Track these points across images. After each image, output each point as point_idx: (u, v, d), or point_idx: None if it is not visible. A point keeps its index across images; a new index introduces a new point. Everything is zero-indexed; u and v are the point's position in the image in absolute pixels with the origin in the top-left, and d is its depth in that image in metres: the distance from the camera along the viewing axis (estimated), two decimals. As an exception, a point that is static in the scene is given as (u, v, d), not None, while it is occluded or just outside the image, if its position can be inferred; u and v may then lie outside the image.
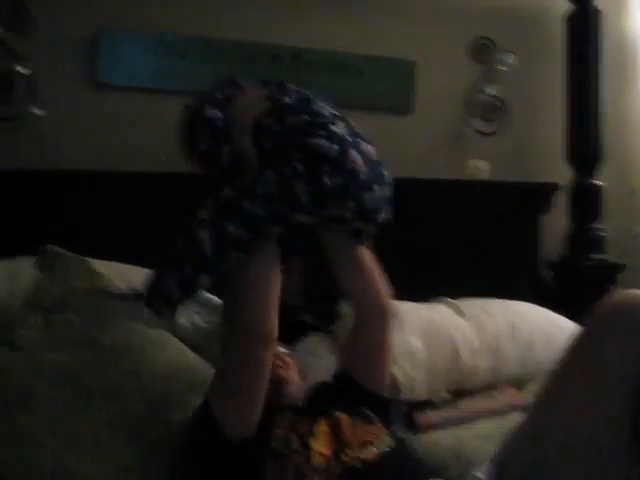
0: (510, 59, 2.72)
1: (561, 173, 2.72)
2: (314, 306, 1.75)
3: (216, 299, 1.86)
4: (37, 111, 2.21)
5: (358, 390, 1.52)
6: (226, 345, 1.37)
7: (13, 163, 2.11)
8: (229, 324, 1.36)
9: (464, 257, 2.54)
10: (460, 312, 2.09)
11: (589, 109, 2.67)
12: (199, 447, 1.37)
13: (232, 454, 1.30)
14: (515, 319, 2.10)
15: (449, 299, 2.20)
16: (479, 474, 1.31)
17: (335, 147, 1.24)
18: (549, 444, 1.11)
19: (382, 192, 1.32)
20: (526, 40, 2.83)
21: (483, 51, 2.78)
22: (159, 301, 1.28)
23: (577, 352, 1.15)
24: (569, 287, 2.68)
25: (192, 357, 1.71)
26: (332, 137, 1.25)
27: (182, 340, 1.75)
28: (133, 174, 2.18)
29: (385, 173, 1.34)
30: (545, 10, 2.83)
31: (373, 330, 1.54)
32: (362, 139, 1.32)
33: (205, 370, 1.66)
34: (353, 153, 1.25)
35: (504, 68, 2.75)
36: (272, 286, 1.34)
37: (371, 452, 1.31)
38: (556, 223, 2.73)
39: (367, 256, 1.50)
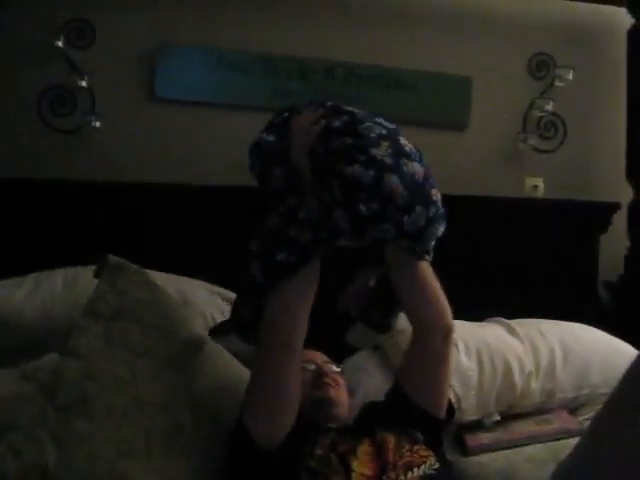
0: (569, 75, 2.67)
1: (620, 191, 2.65)
2: (371, 315, 1.74)
3: None
4: (97, 124, 2.26)
5: (413, 410, 1.49)
6: (255, 356, 1.43)
7: (74, 174, 2.18)
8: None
9: (520, 276, 2.49)
10: (514, 332, 2.05)
11: (651, 127, 2.60)
12: (236, 459, 1.39)
13: (265, 464, 1.32)
14: (570, 341, 2.05)
15: (503, 319, 2.16)
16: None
17: (371, 173, 1.23)
18: (607, 475, 1.06)
19: (427, 212, 1.29)
20: (585, 56, 2.79)
21: (541, 67, 2.74)
22: (241, 330, 1.45)
23: (631, 384, 1.10)
24: (627, 309, 2.60)
25: (243, 371, 1.71)
26: (370, 162, 1.24)
27: (235, 355, 1.77)
28: (192, 187, 2.21)
29: (433, 192, 1.31)
30: (605, 25, 2.78)
31: (433, 349, 1.51)
32: (409, 158, 1.29)
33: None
34: (391, 178, 1.24)
35: (562, 84, 2.70)
36: (303, 302, 1.39)
37: (416, 475, 1.29)
38: (615, 243, 2.66)
39: (429, 274, 1.48)
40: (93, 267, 1.80)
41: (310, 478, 1.28)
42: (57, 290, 1.85)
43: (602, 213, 2.62)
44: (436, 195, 1.32)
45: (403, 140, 1.31)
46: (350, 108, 1.38)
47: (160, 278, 1.83)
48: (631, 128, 2.65)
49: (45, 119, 2.26)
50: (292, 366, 1.38)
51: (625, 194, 2.64)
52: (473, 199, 2.40)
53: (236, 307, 1.47)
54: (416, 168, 1.28)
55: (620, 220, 2.63)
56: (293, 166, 1.37)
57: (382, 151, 1.25)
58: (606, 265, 2.67)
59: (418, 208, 1.26)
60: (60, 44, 2.23)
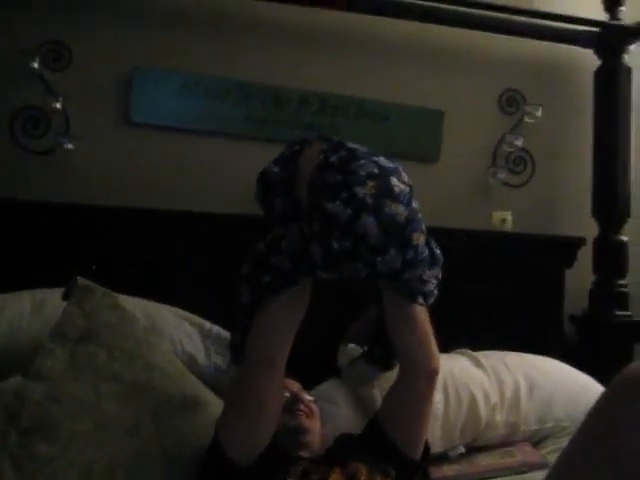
0: (538, 112, 2.73)
1: (586, 227, 2.70)
2: (373, 352, 1.75)
3: None
4: (70, 146, 2.26)
5: (389, 448, 1.49)
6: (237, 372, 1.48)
7: (46, 196, 2.17)
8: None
9: (486, 308, 2.52)
10: (479, 364, 2.07)
11: (617, 165, 2.67)
12: (208, 476, 1.40)
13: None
14: (535, 374, 2.07)
15: (469, 350, 2.18)
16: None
17: (348, 211, 1.23)
18: None
19: (403, 255, 1.28)
20: (555, 93, 2.84)
21: (511, 103, 2.79)
22: (233, 353, 1.50)
23: (598, 419, 1.13)
24: (592, 343, 2.64)
25: (210, 395, 1.72)
26: (350, 200, 1.24)
27: (200, 377, 1.77)
28: (164, 212, 2.22)
29: (414, 236, 1.30)
30: (575, 64, 2.85)
31: (417, 390, 1.52)
32: (394, 200, 1.27)
33: (221, 408, 1.68)
34: (367, 218, 1.23)
35: (532, 120, 2.75)
36: (287, 323, 1.42)
37: None
38: (580, 277, 2.71)
39: (421, 318, 1.50)
40: (61, 289, 1.79)
41: None
42: (24, 312, 1.83)
43: (568, 248, 2.66)
44: (418, 239, 1.31)
45: (396, 181, 1.29)
46: (355, 145, 1.38)
47: (128, 302, 1.83)
48: (597, 165, 2.71)
49: (18, 140, 2.25)
50: (272, 383, 1.40)
51: (590, 229, 2.70)
52: (442, 231, 2.43)
53: (231, 333, 1.52)
54: (399, 210, 1.26)
55: (586, 255, 2.68)
56: (295, 197, 1.39)
57: (365, 190, 1.24)
58: (571, 299, 2.71)
59: (392, 250, 1.26)
60: (36, 65, 2.23)
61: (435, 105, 2.69)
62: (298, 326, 1.43)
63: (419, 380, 1.51)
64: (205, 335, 1.94)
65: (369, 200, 1.24)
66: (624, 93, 2.67)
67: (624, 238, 2.67)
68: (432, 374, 1.52)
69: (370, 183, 1.26)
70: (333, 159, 1.31)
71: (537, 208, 2.81)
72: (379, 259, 1.25)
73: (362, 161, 1.30)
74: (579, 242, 2.65)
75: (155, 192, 2.31)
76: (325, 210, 1.25)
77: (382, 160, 1.33)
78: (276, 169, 1.43)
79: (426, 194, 2.58)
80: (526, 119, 2.76)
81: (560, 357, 2.29)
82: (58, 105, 2.25)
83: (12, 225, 2.05)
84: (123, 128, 2.35)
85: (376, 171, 1.28)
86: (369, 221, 1.23)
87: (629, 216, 2.67)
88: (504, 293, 2.55)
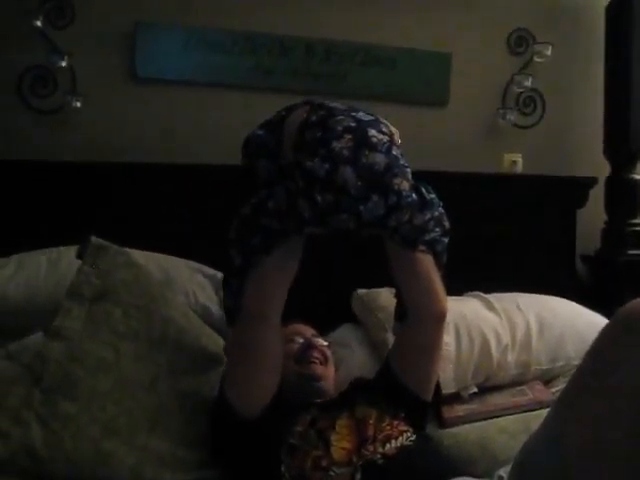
0: (548, 51, 2.69)
1: (598, 167, 2.69)
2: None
3: None
4: (78, 104, 2.27)
5: (401, 391, 1.52)
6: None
7: (56, 155, 2.19)
8: None
9: (498, 251, 2.53)
10: (491, 306, 2.09)
11: (629, 102, 2.63)
12: (216, 428, 1.44)
13: (245, 434, 1.36)
14: (546, 314, 2.09)
15: (481, 293, 2.20)
16: (503, 473, 1.32)
17: (325, 166, 1.25)
18: (568, 449, 1.10)
19: (385, 201, 1.29)
20: (564, 32, 2.80)
21: (521, 43, 2.75)
22: (227, 316, 1.48)
23: (600, 355, 1.14)
24: (604, 282, 2.66)
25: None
26: (327, 155, 1.26)
27: (214, 328, 1.80)
28: (173, 166, 2.22)
29: (395, 181, 1.30)
30: (585, 1, 2.80)
31: (425, 334, 1.53)
32: (372, 150, 1.28)
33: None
34: (345, 170, 1.25)
35: (542, 60, 2.72)
36: (280, 279, 1.41)
37: (393, 446, 1.34)
38: (593, 217, 2.71)
39: (424, 263, 1.50)
40: (75, 247, 1.82)
41: (289, 454, 1.33)
42: (41, 271, 1.87)
43: (579, 188, 2.66)
44: (400, 184, 1.31)
45: (373, 132, 1.30)
46: (335, 104, 1.38)
47: (142, 257, 1.85)
48: (608, 104, 2.68)
49: (26, 100, 2.26)
50: (268, 335, 1.41)
51: (602, 169, 2.68)
52: (452, 175, 2.43)
53: (223, 296, 1.51)
54: (377, 159, 1.27)
55: (597, 195, 2.67)
56: (279, 161, 1.39)
57: (342, 144, 1.26)
58: (583, 239, 2.71)
59: (374, 197, 1.27)
60: (39, 24, 2.22)
61: (443, 48, 2.66)
62: (291, 281, 1.43)
63: (426, 325, 1.52)
64: (218, 285, 1.96)
65: (345, 152, 1.25)
66: (637, 27, 2.61)
67: (636, 177, 2.65)
68: (439, 319, 1.53)
69: (347, 136, 1.27)
70: (313, 118, 1.32)
71: (548, 149, 2.79)
72: (362, 207, 1.26)
73: (340, 117, 1.31)
74: (591, 182, 2.64)
75: (164, 146, 2.32)
76: (305, 167, 1.26)
77: (360, 114, 1.33)
78: (261, 132, 1.44)
79: (436, 138, 2.61)
80: (536, 59, 2.73)
81: (572, 297, 2.30)
82: (64, 63, 2.25)
83: (22, 185, 2.07)
84: (129, 83, 2.34)
85: (353, 125, 1.29)
86: (347, 172, 1.25)
87: (641, 154, 2.65)
88: (516, 235, 2.56)
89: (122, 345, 1.56)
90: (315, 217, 1.28)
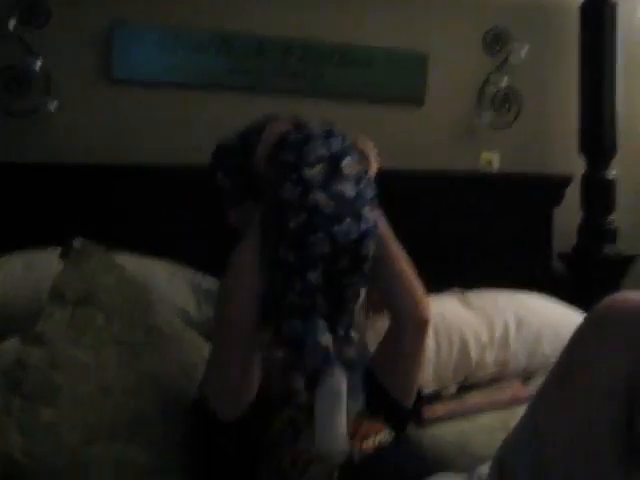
0: (524, 50, 2.71)
1: (574, 165, 2.72)
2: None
3: None
4: (52, 106, 2.24)
5: (381, 396, 1.50)
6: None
7: (30, 157, 2.16)
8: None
9: (475, 248, 2.55)
10: (469, 304, 2.11)
11: (603, 101, 2.66)
12: (196, 430, 1.43)
13: (223, 436, 1.35)
14: (524, 312, 2.11)
15: (458, 291, 2.22)
16: (483, 470, 1.33)
17: (297, 190, 1.28)
18: (549, 444, 1.12)
19: (358, 226, 1.31)
20: (540, 31, 2.82)
21: (497, 42, 2.76)
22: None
23: (574, 353, 1.16)
24: (581, 279, 2.69)
25: (207, 350, 1.74)
26: (299, 181, 1.29)
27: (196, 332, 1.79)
28: (147, 167, 2.21)
29: (365, 209, 1.33)
30: (560, 1, 2.82)
31: (406, 344, 1.50)
32: (342, 181, 1.32)
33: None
34: (316, 193, 1.28)
35: (518, 60, 2.73)
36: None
37: (371, 445, 1.34)
38: (569, 215, 2.73)
39: (404, 263, 1.50)
40: (52, 250, 1.80)
41: (267, 452, 1.33)
42: (16, 274, 1.83)
43: (555, 186, 2.69)
44: (370, 213, 1.34)
45: (347, 162, 1.34)
46: (314, 127, 1.41)
47: (122, 259, 1.84)
48: (583, 101, 2.71)
49: (-1, 101, 2.23)
50: (246, 344, 1.37)
51: (578, 167, 2.71)
52: (429, 173, 2.45)
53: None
54: (346, 187, 1.31)
55: (573, 193, 2.70)
56: (247, 171, 1.42)
57: (314, 172, 1.30)
58: (560, 237, 2.74)
59: (347, 219, 1.29)
60: (13, 23, 2.19)
61: (419, 48, 2.67)
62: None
63: (408, 331, 1.49)
64: (195, 288, 1.96)
65: (317, 179, 1.30)
66: (610, 28, 2.65)
67: (612, 173, 2.69)
68: (422, 324, 1.50)
69: (319, 166, 1.31)
70: (292, 138, 1.36)
71: (524, 147, 2.81)
72: (336, 227, 1.28)
73: (314, 143, 1.34)
74: (566, 180, 2.67)
75: (140, 147, 2.30)
76: (277, 196, 1.30)
77: (335, 141, 1.36)
78: (235, 140, 1.49)
79: (412, 138, 2.62)
80: (511, 58, 2.74)
81: (550, 293, 2.34)
82: (38, 64, 2.22)
83: (-1, 188, 2.05)
84: (105, 85, 2.32)
85: (326, 154, 1.33)
86: (319, 195, 1.28)
87: (616, 152, 2.68)
88: (493, 233, 2.58)
89: (104, 351, 1.53)
90: (289, 242, 1.30)
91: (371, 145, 1.49)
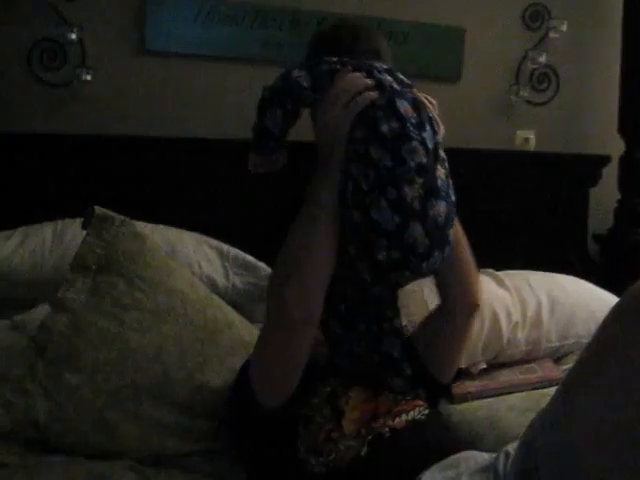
0: (563, 26, 2.65)
1: (612, 145, 2.66)
2: None
3: (255, 261, 1.99)
4: (88, 77, 2.25)
5: (421, 370, 1.48)
6: (266, 314, 1.35)
7: (65, 127, 2.18)
8: (270, 296, 1.36)
9: (510, 228, 2.52)
10: (502, 283, 2.08)
11: (644, 79, 2.60)
12: (235, 409, 1.42)
13: (263, 418, 1.32)
14: (558, 292, 2.08)
15: (492, 270, 2.19)
16: (512, 449, 1.31)
17: (396, 220, 1.17)
18: (578, 429, 1.09)
19: (442, 254, 1.25)
20: (580, 8, 2.76)
21: (536, 18, 2.71)
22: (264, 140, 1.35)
23: (609, 335, 1.13)
24: (616, 261, 2.64)
25: (233, 316, 1.75)
26: (398, 204, 1.17)
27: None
28: (182, 140, 2.22)
29: (450, 232, 1.25)
30: (601, -25, 2.76)
31: (454, 325, 1.48)
32: (437, 197, 1.20)
33: (245, 329, 1.72)
34: (415, 227, 1.18)
35: (557, 35, 2.68)
36: (324, 273, 1.28)
37: (404, 419, 1.33)
38: (606, 196, 2.68)
39: (463, 253, 1.47)
40: (81, 219, 1.82)
41: (305, 427, 1.31)
42: (46, 242, 1.88)
43: (592, 166, 2.64)
44: (450, 236, 1.27)
45: (439, 168, 1.23)
46: (393, 83, 1.29)
47: (147, 229, 1.86)
48: (624, 81, 2.64)
49: (36, 73, 2.24)
50: (309, 338, 1.30)
51: (617, 147, 2.65)
52: (465, 151, 2.41)
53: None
54: (441, 209, 1.21)
55: (611, 173, 2.65)
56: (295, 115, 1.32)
57: (414, 192, 1.18)
58: (596, 218, 2.69)
59: (436, 253, 1.22)
60: (48, -4, 2.21)
61: (456, 23, 2.62)
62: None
63: (458, 315, 1.47)
64: (223, 257, 1.98)
65: (416, 205, 1.18)
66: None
67: (651, 155, 2.63)
68: (472, 309, 1.47)
69: (419, 181, 1.19)
70: (384, 129, 1.21)
71: (562, 126, 2.77)
72: (425, 264, 1.22)
73: (413, 143, 1.20)
74: (603, 160, 2.62)
75: (173, 119, 2.30)
76: (372, 219, 1.19)
77: (428, 134, 1.23)
78: (301, 74, 1.30)
79: (448, 114, 2.54)
80: (551, 34, 2.68)
81: (584, 275, 2.30)
82: (74, 36, 2.23)
83: (33, 158, 2.07)
84: (139, 57, 2.32)
85: (424, 161, 1.20)
86: (417, 230, 1.18)
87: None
88: (528, 213, 2.55)
89: (126, 316, 1.54)
90: (374, 273, 1.24)
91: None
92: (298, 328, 1.27)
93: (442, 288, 1.49)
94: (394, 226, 1.17)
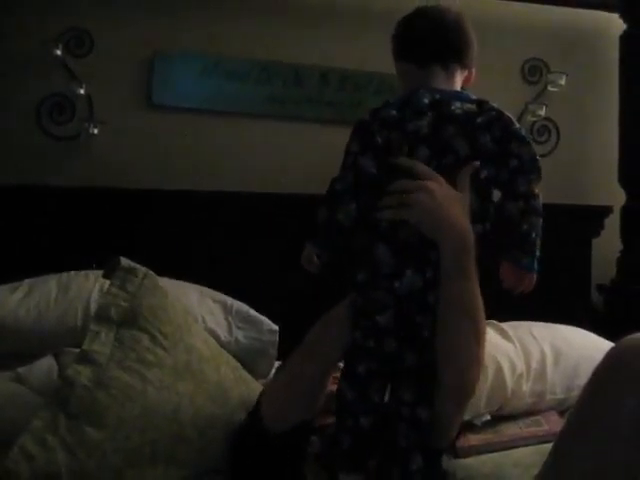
0: (562, 80, 2.70)
1: (613, 195, 2.68)
2: None
3: (258, 315, 1.99)
4: (95, 131, 2.30)
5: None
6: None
7: (73, 180, 2.22)
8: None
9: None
10: (506, 335, 2.07)
11: (643, 131, 2.63)
12: (241, 446, 1.43)
13: (270, 447, 1.35)
14: (562, 344, 2.07)
15: (495, 321, 2.18)
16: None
17: None
18: None
19: None
20: (578, 61, 2.82)
21: (535, 72, 2.77)
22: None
23: (591, 395, 1.13)
24: (619, 312, 2.62)
25: (241, 372, 1.76)
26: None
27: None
28: (187, 193, 2.25)
29: None
30: (599, 30, 2.81)
31: (447, 402, 1.36)
32: None
33: (251, 385, 1.73)
34: None
35: (556, 89, 2.72)
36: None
37: None
38: (608, 246, 2.69)
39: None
40: (86, 272, 1.83)
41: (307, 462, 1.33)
42: (51, 295, 1.88)
43: (595, 217, 2.65)
44: None
45: None
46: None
47: (163, 283, 1.85)
48: (623, 132, 2.67)
49: (44, 127, 2.29)
50: (330, 375, 1.36)
51: (618, 198, 2.67)
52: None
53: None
54: None
55: (612, 224, 2.66)
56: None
57: None
58: (599, 269, 2.69)
59: None
60: (59, 52, 2.26)
61: (458, 77, 2.67)
62: None
63: (448, 396, 1.34)
64: (227, 310, 1.99)
65: None
66: (650, 57, 2.62)
67: (652, 205, 2.64)
68: (464, 396, 1.38)
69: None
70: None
71: (563, 178, 2.78)
72: None
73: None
74: (606, 211, 2.63)
75: (178, 173, 2.34)
76: None
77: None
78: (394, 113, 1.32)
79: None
80: (550, 88, 2.73)
81: (587, 327, 2.28)
82: (82, 91, 2.29)
83: (41, 210, 2.09)
84: (145, 111, 2.37)
85: None
86: None
87: (657, 183, 2.64)
88: (531, 264, 2.54)
89: (149, 373, 1.52)
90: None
91: None
92: (320, 367, 1.34)
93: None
94: None
